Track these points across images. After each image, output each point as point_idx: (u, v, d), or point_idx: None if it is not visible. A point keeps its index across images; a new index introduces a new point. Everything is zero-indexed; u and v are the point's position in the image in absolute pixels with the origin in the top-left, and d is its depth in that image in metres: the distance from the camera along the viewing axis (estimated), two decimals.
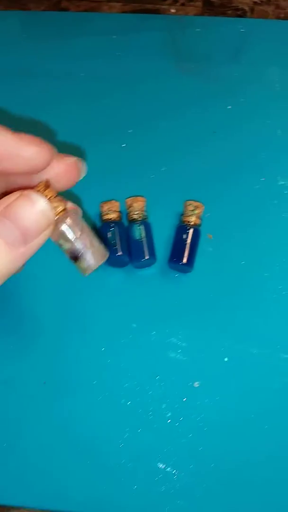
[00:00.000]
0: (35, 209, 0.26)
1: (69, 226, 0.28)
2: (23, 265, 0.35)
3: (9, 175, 0.29)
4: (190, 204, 0.55)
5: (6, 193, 0.27)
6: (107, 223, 0.55)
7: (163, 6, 0.73)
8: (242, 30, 0.70)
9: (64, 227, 0.28)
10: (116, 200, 0.57)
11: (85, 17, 0.72)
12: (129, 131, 0.63)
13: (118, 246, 0.53)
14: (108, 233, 0.54)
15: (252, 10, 0.72)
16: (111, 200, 0.56)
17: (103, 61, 0.68)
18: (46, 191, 0.28)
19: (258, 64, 0.67)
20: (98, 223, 0.57)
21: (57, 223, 0.28)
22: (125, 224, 0.56)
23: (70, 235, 0.29)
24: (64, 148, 0.61)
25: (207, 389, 0.51)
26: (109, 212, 0.55)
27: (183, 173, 0.61)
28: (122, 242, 0.54)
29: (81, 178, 0.32)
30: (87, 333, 0.53)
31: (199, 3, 0.73)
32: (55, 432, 0.50)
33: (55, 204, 0.28)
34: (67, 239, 0.29)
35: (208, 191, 0.59)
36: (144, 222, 0.55)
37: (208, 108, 0.65)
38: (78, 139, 0.63)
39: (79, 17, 0.73)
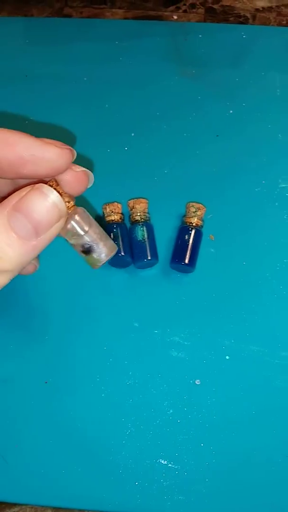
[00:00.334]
0: (47, 202, 0.26)
1: (79, 221, 0.29)
2: (36, 267, 0.36)
3: (31, 178, 0.29)
4: (192, 206, 0.56)
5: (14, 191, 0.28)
6: (110, 225, 0.55)
7: (166, 13, 0.74)
8: (244, 36, 0.71)
9: (73, 222, 0.29)
10: (119, 202, 0.57)
11: (87, 23, 0.73)
12: (132, 134, 0.64)
13: (121, 247, 0.54)
14: (110, 234, 0.54)
15: (254, 17, 0.73)
16: (113, 202, 0.57)
17: (105, 67, 0.69)
18: (57, 187, 0.28)
19: (259, 70, 0.68)
20: (101, 225, 0.57)
21: (67, 218, 0.29)
22: (127, 226, 0.57)
23: (80, 229, 0.29)
24: None
25: (209, 387, 0.51)
26: (111, 213, 0.56)
27: (185, 175, 0.61)
28: (124, 243, 0.54)
29: (88, 187, 0.32)
30: (90, 332, 0.54)
31: (201, 10, 0.74)
32: (57, 430, 0.50)
33: (65, 200, 0.28)
34: (76, 234, 0.29)
35: (210, 193, 0.60)
36: (146, 223, 0.56)
37: (210, 112, 0.65)
38: (81, 143, 0.63)
39: (81, 23, 0.74)
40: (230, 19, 0.74)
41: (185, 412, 0.50)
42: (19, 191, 0.26)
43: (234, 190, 0.61)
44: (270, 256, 0.57)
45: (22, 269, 0.27)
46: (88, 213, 0.31)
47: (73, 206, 0.29)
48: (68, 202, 0.29)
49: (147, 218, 0.56)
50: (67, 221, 0.29)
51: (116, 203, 0.57)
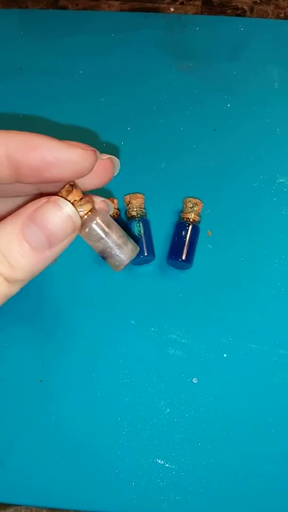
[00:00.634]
0: (62, 214, 0.26)
1: (98, 225, 0.29)
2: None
3: (54, 182, 0.29)
4: (189, 201, 0.55)
5: (34, 198, 0.27)
6: None
7: (162, 5, 0.73)
8: (241, 29, 0.70)
9: (93, 226, 0.29)
10: (115, 197, 0.57)
11: (83, 15, 0.72)
12: (128, 128, 0.63)
13: None
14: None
15: (251, 9, 0.72)
16: (109, 197, 0.56)
17: (101, 59, 0.68)
18: (73, 192, 0.28)
19: (257, 63, 0.68)
20: None
21: (86, 222, 0.28)
22: (124, 221, 0.56)
23: (99, 234, 0.29)
24: None
25: (206, 385, 0.51)
26: None
27: (182, 170, 0.60)
28: None
29: (115, 175, 0.32)
30: (85, 329, 0.53)
31: (198, 2, 0.73)
32: (52, 429, 0.49)
33: (82, 204, 0.28)
34: (96, 238, 0.29)
35: (207, 188, 0.59)
36: (143, 219, 0.55)
37: (207, 106, 0.65)
38: (76, 137, 0.62)
39: (77, 15, 0.72)
40: (228, 11, 0.73)
41: (182, 411, 0.50)
42: (34, 201, 0.26)
43: (231, 185, 0.60)
44: (268, 252, 0.56)
45: (31, 279, 0.27)
46: (109, 216, 0.30)
47: (91, 209, 0.29)
48: (86, 204, 0.28)
49: (144, 214, 0.56)
50: (86, 225, 0.29)
51: (112, 198, 0.56)
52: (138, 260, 0.54)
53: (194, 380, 0.51)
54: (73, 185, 0.28)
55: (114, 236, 0.29)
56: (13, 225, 0.25)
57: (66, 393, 0.51)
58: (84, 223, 0.28)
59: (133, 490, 0.47)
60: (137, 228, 0.54)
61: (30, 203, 0.26)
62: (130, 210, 0.55)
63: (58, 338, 0.53)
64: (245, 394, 0.50)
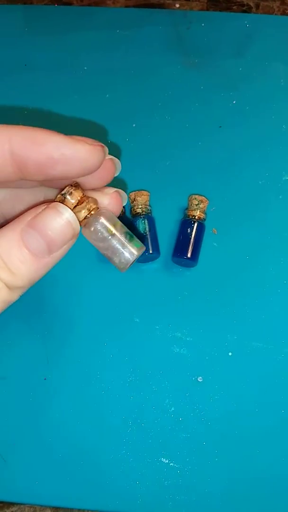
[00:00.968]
0: (62, 220, 0.26)
1: (102, 225, 0.28)
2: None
3: (60, 180, 0.28)
4: (194, 199, 0.55)
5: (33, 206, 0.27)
6: None
7: (168, 1, 0.72)
8: (247, 25, 0.70)
9: (97, 227, 0.28)
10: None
11: (88, 11, 0.72)
12: (133, 125, 0.63)
13: None
14: None
15: (257, 6, 0.72)
16: None
17: (106, 55, 0.68)
18: (74, 193, 0.27)
19: (263, 60, 0.67)
20: None
21: (90, 222, 0.28)
22: (128, 218, 0.56)
23: (104, 233, 0.28)
24: None
25: (211, 384, 0.50)
26: None
27: (187, 167, 0.60)
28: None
29: (115, 175, 0.31)
30: (89, 327, 0.53)
31: None
32: (56, 428, 0.49)
33: (84, 205, 0.27)
34: (100, 238, 0.28)
35: (212, 185, 0.59)
36: (148, 216, 0.55)
37: (212, 103, 0.64)
38: (81, 133, 0.62)
39: (82, 11, 0.72)
40: (233, 7, 0.72)
41: (187, 409, 0.50)
42: (34, 208, 0.26)
43: (237, 183, 0.59)
44: (274, 250, 0.56)
45: (32, 285, 0.27)
46: (113, 215, 0.29)
47: (97, 208, 0.28)
48: (89, 204, 0.28)
49: (149, 211, 0.55)
50: (90, 225, 0.28)
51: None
52: (143, 258, 0.54)
53: (199, 379, 0.51)
54: (74, 186, 0.28)
55: (118, 235, 0.29)
56: (13, 232, 0.25)
57: (70, 391, 0.50)
58: (87, 223, 0.28)
59: (137, 489, 0.47)
60: (142, 225, 0.54)
61: (30, 209, 0.26)
62: (135, 208, 0.55)
63: (62, 336, 0.53)
64: (250, 393, 0.50)
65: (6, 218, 0.30)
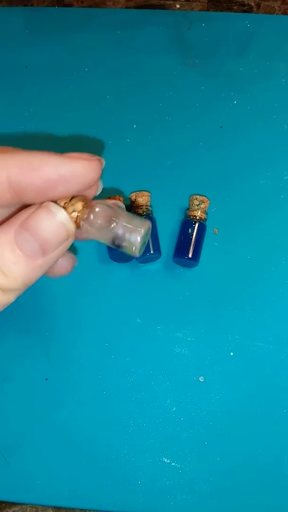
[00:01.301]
0: (55, 221, 0.25)
1: (97, 219, 0.27)
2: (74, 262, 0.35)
3: (61, 198, 0.28)
4: (195, 199, 0.55)
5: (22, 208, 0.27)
6: None
7: (168, 2, 0.72)
8: (248, 25, 0.70)
9: (92, 222, 0.27)
10: (121, 195, 0.56)
11: (89, 13, 0.72)
12: (134, 126, 0.63)
13: None
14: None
15: (258, 5, 0.72)
16: (115, 195, 0.56)
17: (107, 57, 0.68)
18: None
19: (264, 60, 0.67)
20: None
21: (86, 218, 0.27)
22: None
23: (101, 226, 0.28)
24: (67, 143, 0.61)
25: (213, 383, 0.50)
26: None
27: (188, 167, 0.60)
28: None
29: (95, 195, 0.31)
30: (91, 328, 0.53)
31: None
32: (58, 428, 0.49)
33: (74, 204, 0.27)
34: (100, 231, 0.28)
35: (213, 185, 0.59)
36: (149, 216, 0.55)
37: (213, 103, 0.64)
38: (81, 134, 0.62)
39: (82, 12, 0.72)
40: (234, 7, 0.72)
41: (189, 409, 0.50)
42: (26, 208, 0.26)
43: (238, 183, 0.59)
44: (275, 250, 0.56)
45: (27, 287, 0.26)
46: (106, 206, 0.29)
47: (88, 203, 0.27)
48: (80, 202, 0.27)
49: (150, 211, 0.55)
50: (87, 220, 0.27)
51: (118, 196, 0.56)
52: (144, 258, 0.54)
53: (201, 379, 0.51)
54: None
55: (118, 222, 0.28)
56: (5, 233, 0.25)
57: (72, 392, 0.50)
58: (84, 221, 0.27)
59: (139, 488, 0.47)
60: None
61: (23, 210, 0.26)
62: (136, 208, 0.55)
63: (64, 336, 0.53)
64: (252, 393, 0.50)
65: None
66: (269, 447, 0.48)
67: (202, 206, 0.54)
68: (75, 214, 0.27)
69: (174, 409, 0.50)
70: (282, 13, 0.72)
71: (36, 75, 0.67)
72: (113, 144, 0.62)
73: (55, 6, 0.73)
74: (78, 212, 0.27)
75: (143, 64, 0.67)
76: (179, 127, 0.63)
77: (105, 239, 0.28)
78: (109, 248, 0.53)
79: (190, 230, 0.54)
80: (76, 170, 0.26)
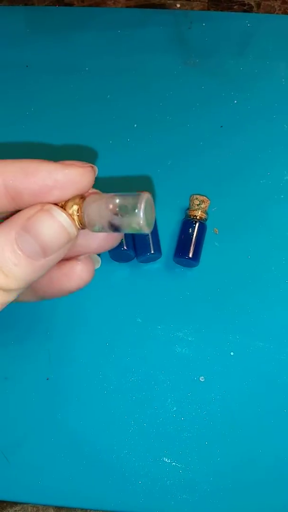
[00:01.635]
0: (55, 225, 0.25)
1: (92, 211, 0.27)
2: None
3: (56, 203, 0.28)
4: (196, 198, 0.55)
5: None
6: None
7: (169, 1, 0.72)
8: (248, 25, 0.69)
9: (87, 217, 0.27)
10: None
11: (89, 12, 0.72)
12: (134, 125, 0.63)
13: (123, 241, 0.53)
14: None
15: (258, 5, 0.72)
16: None
17: (107, 56, 0.68)
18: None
19: (264, 59, 0.67)
20: None
21: (85, 217, 0.27)
22: None
23: (97, 217, 0.27)
24: (68, 142, 0.61)
25: (213, 383, 0.50)
26: None
27: (188, 167, 0.60)
28: (127, 236, 0.53)
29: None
30: (92, 328, 0.53)
31: None
32: (59, 427, 0.49)
33: (68, 201, 0.27)
34: (104, 223, 0.27)
35: (214, 185, 0.59)
36: None
37: (214, 102, 0.64)
38: (82, 134, 0.62)
39: (83, 11, 0.72)
40: (234, 7, 0.72)
41: (189, 409, 0.50)
42: (28, 209, 0.26)
43: (239, 182, 0.59)
44: (275, 250, 0.56)
45: (28, 287, 0.26)
46: (96, 196, 0.28)
47: (81, 199, 0.27)
48: (74, 200, 0.27)
49: (154, 215, 0.55)
50: (87, 219, 0.27)
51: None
52: (144, 258, 0.54)
53: (201, 379, 0.51)
54: None
55: (112, 206, 0.27)
56: (6, 234, 0.25)
57: (73, 391, 0.51)
58: (84, 222, 0.27)
59: (139, 488, 0.47)
60: None
61: (24, 210, 0.26)
62: None
63: (65, 336, 0.53)
64: (253, 393, 0.50)
65: None
66: (270, 447, 0.48)
67: (202, 206, 0.54)
68: (75, 217, 0.27)
69: (175, 408, 0.50)
70: (282, 13, 0.72)
71: (37, 74, 0.67)
72: (114, 144, 0.62)
73: (55, 6, 0.73)
74: (77, 212, 0.27)
75: (143, 63, 0.67)
76: (180, 126, 0.63)
77: (109, 230, 0.27)
78: None
79: (190, 230, 0.54)
80: (71, 177, 0.27)
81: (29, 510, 0.49)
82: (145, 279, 0.55)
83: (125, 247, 0.53)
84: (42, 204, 0.26)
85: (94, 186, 0.30)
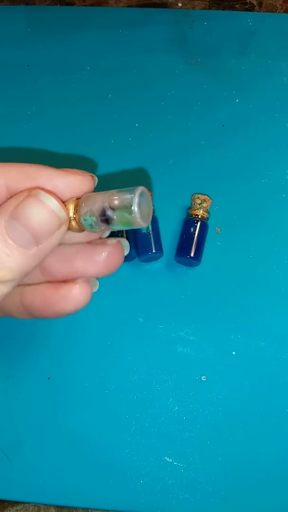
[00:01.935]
0: (45, 210, 0.25)
1: (88, 203, 0.27)
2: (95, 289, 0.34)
3: None
4: (197, 198, 0.54)
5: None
6: None
7: (170, 0, 0.72)
8: (250, 24, 0.69)
9: (90, 218, 0.27)
10: None
11: (90, 11, 0.72)
12: (136, 125, 0.63)
13: None
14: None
15: (260, 4, 0.72)
16: None
17: (109, 56, 0.68)
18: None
19: (266, 58, 0.67)
20: None
21: (84, 219, 0.27)
22: None
23: (93, 207, 0.27)
24: (69, 141, 0.61)
25: (215, 383, 0.50)
26: None
27: (190, 166, 0.60)
28: (128, 235, 0.53)
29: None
30: (93, 327, 0.53)
31: None
32: (60, 427, 0.49)
33: (66, 204, 0.27)
34: (103, 220, 0.27)
35: (215, 184, 0.59)
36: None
37: (215, 102, 0.64)
38: (84, 133, 0.62)
39: (84, 11, 0.72)
40: (236, 6, 0.72)
41: (191, 408, 0.50)
42: (15, 196, 0.25)
43: (240, 182, 0.59)
44: (277, 249, 0.56)
45: (24, 277, 0.26)
46: (90, 195, 0.28)
47: (77, 200, 0.27)
48: (71, 201, 0.27)
49: (152, 211, 0.55)
50: (83, 221, 0.26)
51: None
52: (146, 257, 0.54)
53: (203, 378, 0.51)
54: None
55: (111, 194, 0.27)
56: None
57: (74, 391, 0.50)
58: (81, 223, 0.26)
59: (141, 488, 0.47)
60: None
61: (11, 198, 0.25)
62: None
63: (66, 335, 0.53)
64: (254, 392, 0.50)
65: None
66: (271, 447, 0.48)
67: (204, 205, 0.54)
68: (74, 223, 0.27)
69: (176, 408, 0.49)
70: (284, 12, 0.72)
71: (38, 73, 0.67)
72: (115, 143, 0.62)
73: (57, 5, 0.73)
74: (74, 214, 0.27)
75: (145, 62, 0.67)
76: (181, 125, 0.63)
77: (110, 228, 0.27)
78: None
79: (192, 229, 0.54)
80: (69, 183, 0.27)
81: (31, 509, 0.49)
82: (146, 279, 0.55)
83: None
84: (30, 189, 0.25)
85: (95, 188, 0.30)
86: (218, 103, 0.64)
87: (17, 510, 0.49)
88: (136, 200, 0.26)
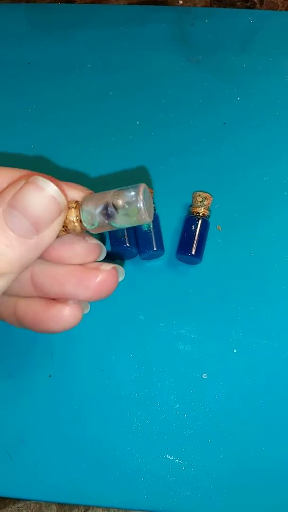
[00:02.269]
0: (44, 196, 0.24)
1: (95, 211, 0.26)
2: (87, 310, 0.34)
3: None
4: (198, 195, 0.54)
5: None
6: None
7: None
8: (251, 21, 0.69)
9: (93, 219, 0.27)
10: None
11: (91, 9, 0.72)
12: (137, 122, 0.63)
13: (126, 238, 0.53)
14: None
15: (261, 1, 0.72)
16: None
17: (110, 53, 0.68)
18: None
19: (267, 56, 0.67)
20: None
21: (85, 220, 0.26)
22: None
23: (103, 212, 0.26)
24: (69, 140, 0.61)
25: (216, 381, 0.50)
26: None
27: (191, 164, 0.60)
28: (129, 233, 0.53)
29: (99, 259, 0.32)
30: (94, 325, 0.53)
31: None
32: (61, 425, 0.49)
33: (69, 208, 0.27)
34: (103, 220, 0.27)
35: (217, 182, 0.58)
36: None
37: (217, 99, 0.64)
38: (84, 131, 0.62)
39: (85, 8, 0.72)
40: (237, 3, 0.72)
41: (192, 406, 0.50)
42: (13, 185, 0.25)
43: (242, 179, 0.59)
44: (279, 247, 0.56)
45: (24, 269, 0.25)
46: (91, 196, 0.27)
47: (77, 203, 0.27)
48: (72, 205, 0.27)
49: (153, 208, 0.55)
50: (89, 220, 0.26)
51: None
52: (147, 255, 0.54)
53: (204, 376, 0.51)
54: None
55: (113, 193, 0.27)
56: None
57: (75, 388, 0.50)
58: (83, 222, 0.26)
59: (142, 485, 0.47)
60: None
61: (9, 186, 0.25)
62: None
63: (67, 333, 0.52)
64: (256, 390, 0.50)
65: None
66: (273, 444, 0.48)
67: (205, 202, 0.54)
68: (76, 223, 0.26)
69: (178, 406, 0.49)
70: (285, 9, 0.72)
71: (39, 71, 0.67)
72: (116, 141, 0.62)
73: (57, 3, 0.73)
74: (76, 216, 0.26)
75: (146, 60, 0.67)
76: (182, 123, 0.63)
77: (113, 227, 0.27)
78: (111, 244, 0.53)
79: (193, 226, 0.54)
80: (70, 195, 0.27)
81: (32, 507, 0.49)
82: (147, 276, 0.55)
83: (127, 244, 0.53)
84: (27, 175, 0.25)
85: (96, 186, 0.30)
86: (219, 101, 0.64)
87: (18, 507, 0.49)
88: (140, 196, 0.26)
